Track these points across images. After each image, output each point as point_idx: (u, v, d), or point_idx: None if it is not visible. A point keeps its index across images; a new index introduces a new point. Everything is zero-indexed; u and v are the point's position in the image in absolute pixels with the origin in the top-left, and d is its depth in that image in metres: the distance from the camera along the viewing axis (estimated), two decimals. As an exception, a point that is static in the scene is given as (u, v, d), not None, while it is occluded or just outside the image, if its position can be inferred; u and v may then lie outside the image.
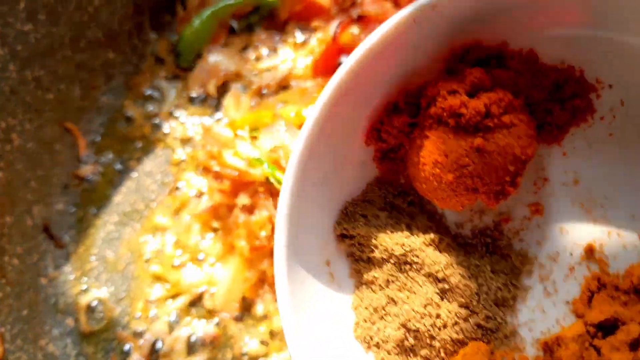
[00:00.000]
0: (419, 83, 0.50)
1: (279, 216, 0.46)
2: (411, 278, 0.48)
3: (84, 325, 0.66)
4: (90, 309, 0.67)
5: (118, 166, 0.73)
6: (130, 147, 0.74)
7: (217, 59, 0.75)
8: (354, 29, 0.68)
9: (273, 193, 0.63)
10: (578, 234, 0.51)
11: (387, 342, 0.47)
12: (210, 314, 0.65)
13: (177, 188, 0.71)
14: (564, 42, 0.49)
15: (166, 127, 0.74)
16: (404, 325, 0.47)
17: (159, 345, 0.64)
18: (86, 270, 0.69)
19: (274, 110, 0.69)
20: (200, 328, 0.64)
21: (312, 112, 0.47)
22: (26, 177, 0.68)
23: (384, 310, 0.48)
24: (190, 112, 0.74)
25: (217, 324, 0.64)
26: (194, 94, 0.75)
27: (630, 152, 0.50)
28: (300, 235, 0.47)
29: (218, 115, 0.73)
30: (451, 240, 0.51)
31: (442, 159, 0.45)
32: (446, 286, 0.47)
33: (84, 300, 0.67)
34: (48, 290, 0.67)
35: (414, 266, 0.48)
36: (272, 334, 0.63)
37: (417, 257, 0.48)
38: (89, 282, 0.68)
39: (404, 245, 0.48)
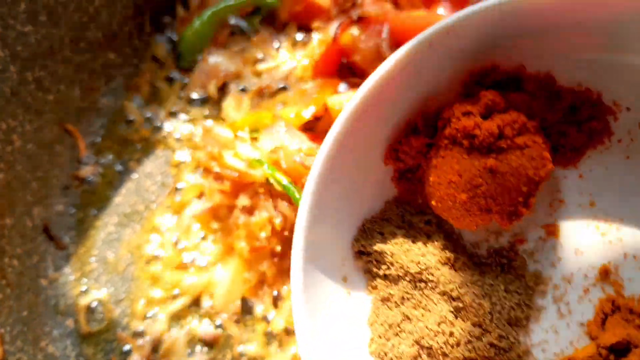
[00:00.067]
0: (437, 105, 0.51)
1: (296, 232, 0.47)
2: (426, 296, 0.49)
3: (84, 326, 0.66)
4: (90, 310, 0.67)
5: (118, 167, 0.73)
6: (130, 148, 0.74)
7: (218, 60, 0.75)
8: (354, 30, 0.68)
9: (273, 194, 0.63)
10: (593, 255, 0.51)
11: (401, 358, 0.48)
12: (210, 314, 0.65)
13: (177, 189, 0.71)
14: (582, 65, 0.50)
15: (166, 128, 0.74)
16: (417, 342, 0.48)
17: (158, 346, 0.64)
18: (86, 272, 0.69)
19: (274, 111, 0.69)
20: (199, 329, 0.64)
21: (332, 130, 0.48)
22: (26, 178, 0.68)
23: (399, 327, 0.49)
24: (190, 113, 0.74)
25: (217, 325, 0.64)
26: (194, 95, 0.75)
27: None
28: (319, 252, 0.48)
29: (218, 116, 0.73)
30: (467, 259, 0.51)
31: (456, 179, 0.46)
32: (460, 305, 0.48)
33: (84, 301, 0.67)
34: (48, 292, 0.67)
35: (429, 284, 0.49)
36: (272, 335, 0.63)
37: (432, 275, 0.49)
38: (89, 283, 0.68)
39: (419, 263, 0.49)
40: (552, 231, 0.52)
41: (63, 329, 0.66)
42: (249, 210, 0.64)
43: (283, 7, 0.75)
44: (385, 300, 0.50)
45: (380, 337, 0.49)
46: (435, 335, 0.47)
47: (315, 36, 0.74)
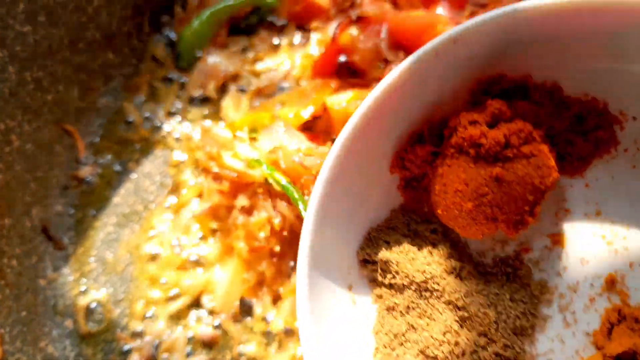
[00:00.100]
0: (443, 114, 0.51)
1: (302, 239, 0.47)
2: (431, 305, 0.49)
3: (83, 326, 0.66)
4: (89, 311, 0.67)
5: (117, 167, 0.73)
6: (129, 148, 0.74)
7: (217, 60, 0.75)
8: (353, 30, 0.68)
9: (272, 194, 0.63)
10: (599, 265, 0.51)
11: None
12: (209, 315, 0.65)
13: (176, 189, 0.71)
14: (588, 75, 0.50)
15: (165, 129, 0.74)
16: (422, 352, 0.47)
17: (158, 346, 0.64)
18: (85, 272, 0.69)
19: (273, 112, 0.68)
20: (199, 329, 0.64)
21: (339, 138, 0.48)
22: (25, 178, 0.68)
23: (404, 336, 0.48)
24: (189, 114, 0.74)
25: (216, 325, 0.64)
26: (193, 95, 0.75)
27: None
28: (324, 260, 0.48)
29: (217, 116, 0.73)
30: (472, 268, 0.51)
31: (463, 188, 0.46)
32: (465, 314, 0.48)
33: (83, 301, 0.67)
34: (47, 292, 0.67)
35: (435, 293, 0.49)
36: (271, 335, 0.63)
37: (438, 284, 0.49)
38: (88, 283, 0.68)
39: (425, 272, 0.49)
40: (557, 240, 0.52)
41: (62, 329, 0.66)
42: (248, 211, 0.64)
43: (282, 7, 0.75)
44: (390, 309, 0.50)
45: (385, 346, 0.49)
46: (441, 345, 0.47)
47: (314, 36, 0.74)
